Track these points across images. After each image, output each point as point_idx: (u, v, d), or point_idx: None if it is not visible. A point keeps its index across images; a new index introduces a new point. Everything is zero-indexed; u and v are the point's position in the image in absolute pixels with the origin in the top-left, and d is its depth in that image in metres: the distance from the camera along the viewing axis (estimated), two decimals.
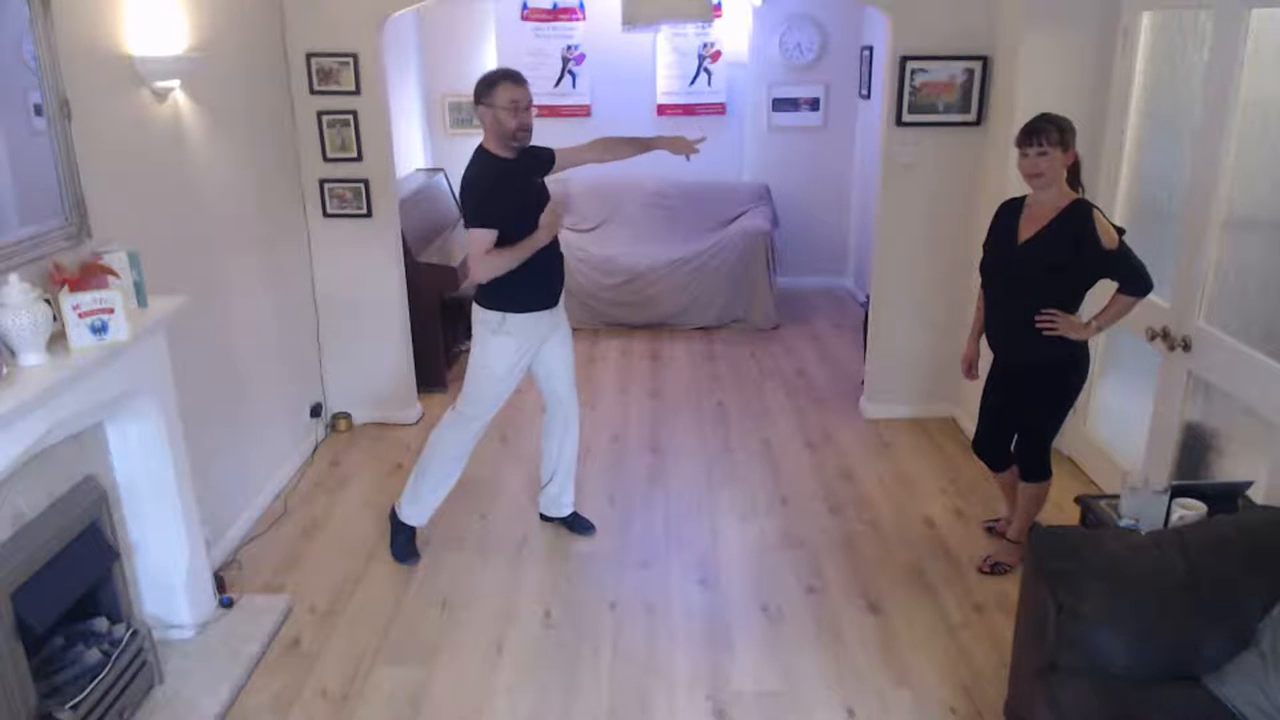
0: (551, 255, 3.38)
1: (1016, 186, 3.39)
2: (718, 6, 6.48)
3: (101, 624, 2.75)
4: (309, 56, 4.30)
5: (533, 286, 3.35)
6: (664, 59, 6.91)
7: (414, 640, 3.20)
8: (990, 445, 3.51)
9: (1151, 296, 3.14)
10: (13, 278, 2.31)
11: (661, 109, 7.00)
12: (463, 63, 6.81)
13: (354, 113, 4.38)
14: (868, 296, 5.01)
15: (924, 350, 4.78)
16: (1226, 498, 2.75)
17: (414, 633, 3.23)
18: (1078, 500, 3.10)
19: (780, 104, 7.10)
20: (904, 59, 4.36)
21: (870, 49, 6.63)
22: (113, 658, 2.64)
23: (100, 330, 2.48)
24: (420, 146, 6.84)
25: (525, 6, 6.80)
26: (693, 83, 6.96)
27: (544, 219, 3.27)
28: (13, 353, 2.32)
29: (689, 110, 6.98)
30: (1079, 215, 3.05)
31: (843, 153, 7.19)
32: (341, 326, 4.71)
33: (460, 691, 2.95)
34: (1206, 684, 2.22)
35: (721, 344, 6.16)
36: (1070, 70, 4.00)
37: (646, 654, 3.11)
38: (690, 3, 4.51)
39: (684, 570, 3.59)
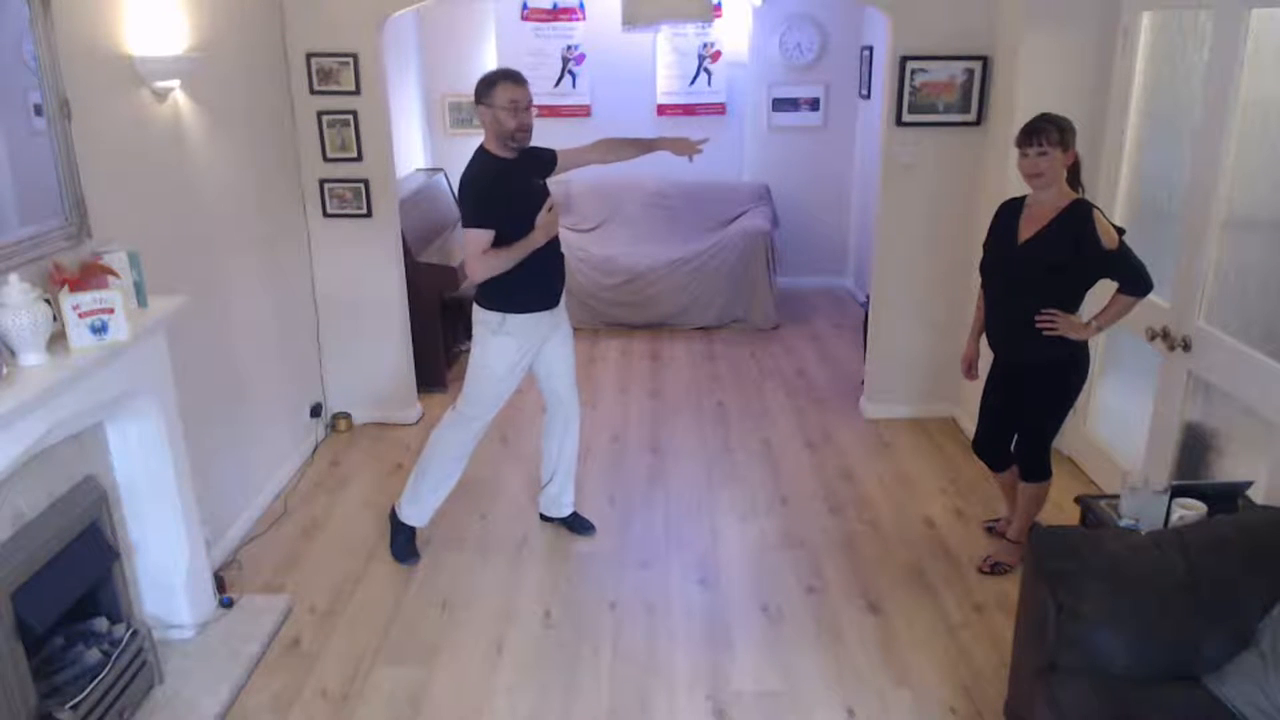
0: (552, 256, 3.38)
1: (1016, 186, 3.39)
2: (718, 6, 6.48)
3: (101, 624, 2.75)
4: (309, 56, 4.30)
5: (533, 287, 3.35)
6: (664, 59, 6.91)
7: (414, 640, 3.20)
8: (990, 445, 3.52)
9: (1151, 296, 3.14)
10: (13, 278, 2.32)
11: (661, 109, 7.00)
12: (463, 63, 6.81)
13: (354, 113, 4.38)
14: (868, 296, 5.01)
15: (924, 350, 4.78)
16: (1226, 498, 2.75)
17: (414, 633, 3.23)
18: (1078, 500, 3.10)
19: (780, 104, 7.10)
20: (904, 59, 4.36)
21: (870, 49, 6.64)
22: (113, 658, 2.64)
23: (100, 330, 2.48)
24: (420, 146, 6.84)
25: (525, 6, 6.80)
26: (693, 83, 6.96)
27: (540, 220, 3.27)
28: (13, 353, 2.32)
29: (689, 110, 6.98)
30: (1079, 215, 3.05)
31: (843, 153, 7.19)
32: (341, 326, 4.71)
33: (460, 691, 2.95)
34: (1206, 684, 2.22)
35: (721, 344, 6.16)
36: (1070, 70, 4.00)
37: (646, 654, 3.11)
38: (690, 3, 4.51)
39: (684, 570, 3.59)
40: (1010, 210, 3.28)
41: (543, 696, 2.92)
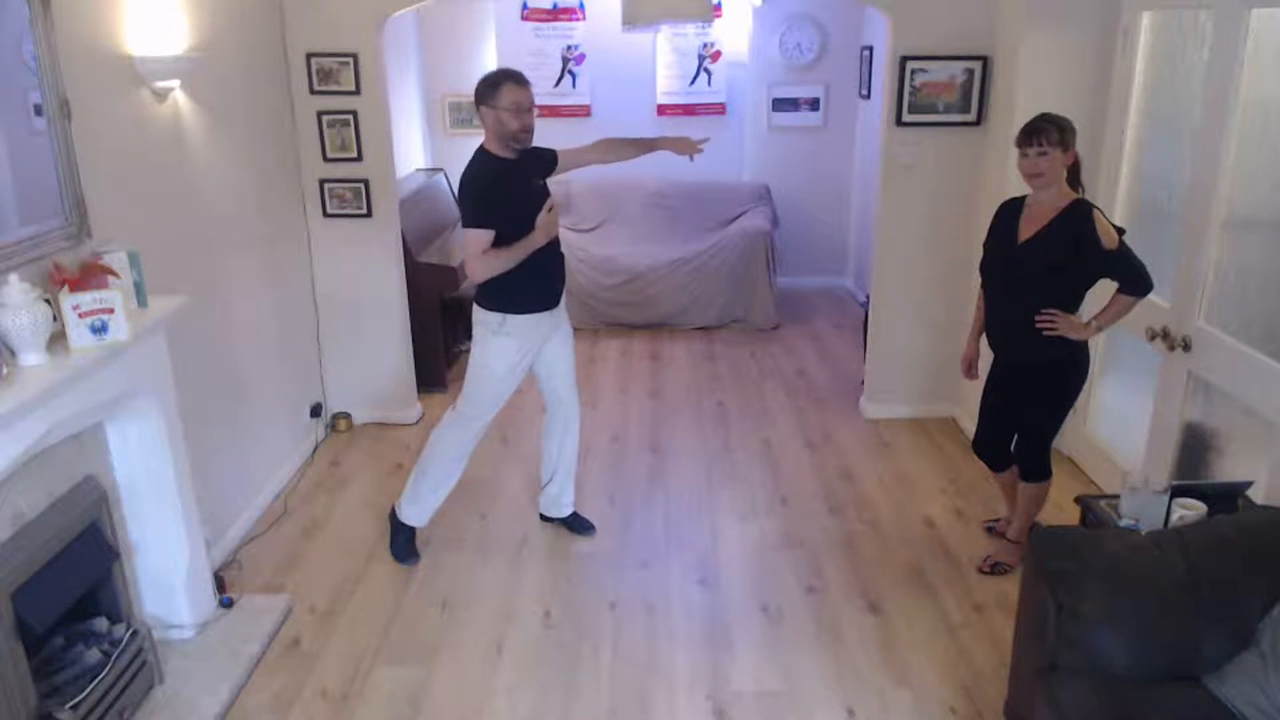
0: (552, 256, 3.38)
1: (1016, 186, 3.39)
2: (718, 6, 6.48)
3: (101, 624, 2.75)
4: (309, 56, 4.30)
5: (533, 287, 3.35)
6: (664, 59, 6.91)
7: (414, 640, 3.20)
8: (990, 445, 3.52)
9: (1151, 296, 3.14)
10: (13, 278, 2.31)
11: (661, 109, 7.00)
12: (463, 63, 6.81)
13: (354, 113, 4.38)
14: (868, 296, 5.01)
15: (924, 350, 4.78)
16: (1226, 498, 2.75)
17: (414, 633, 3.23)
18: (1078, 500, 3.10)
19: (780, 104, 7.10)
20: (904, 59, 4.36)
21: (870, 49, 6.64)
22: (113, 658, 2.64)
23: (100, 330, 2.48)
24: (420, 146, 6.84)
25: (525, 6, 6.80)
26: (693, 83, 6.96)
27: (541, 220, 3.27)
28: (13, 353, 2.32)
29: (689, 110, 6.98)
30: (1079, 215, 3.05)
31: (843, 153, 7.19)
32: (341, 326, 4.71)
33: (460, 691, 2.95)
34: (1206, 684, 2.22)
35: (721, 344, 6.16)
36: (1070, 70, 4.00)
37: (646, 654, 3.11)
38: (690, 3, 4.51)
39: (684, 570, 3.59)
40: (1010, 210, 3.28)
41: (543, 696, 2.92)
